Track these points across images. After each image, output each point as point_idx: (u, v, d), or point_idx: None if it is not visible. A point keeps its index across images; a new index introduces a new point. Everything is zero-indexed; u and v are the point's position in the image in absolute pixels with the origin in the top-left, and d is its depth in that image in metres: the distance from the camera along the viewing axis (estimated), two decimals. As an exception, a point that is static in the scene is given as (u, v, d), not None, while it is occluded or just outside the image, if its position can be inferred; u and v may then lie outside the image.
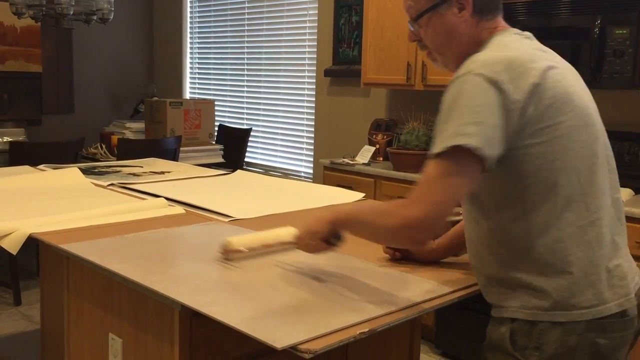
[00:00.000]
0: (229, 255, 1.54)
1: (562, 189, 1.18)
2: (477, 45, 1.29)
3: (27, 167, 2.80)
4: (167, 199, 2.17)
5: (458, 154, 1.11)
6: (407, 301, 1.30)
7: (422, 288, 1.39)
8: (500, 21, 1.34)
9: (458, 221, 1.60)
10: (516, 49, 1.22)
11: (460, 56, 1.29)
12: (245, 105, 5.17)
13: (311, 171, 4.57)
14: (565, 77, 1.22)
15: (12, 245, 1.69)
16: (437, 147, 1.13)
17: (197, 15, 5.59)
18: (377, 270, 1.52)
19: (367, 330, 1.15)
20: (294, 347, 1.07)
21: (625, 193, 2.65)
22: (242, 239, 1.57)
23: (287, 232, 1.59)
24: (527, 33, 1.32)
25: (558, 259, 1.18)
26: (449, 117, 1.14)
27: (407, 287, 1.40)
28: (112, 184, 2.47)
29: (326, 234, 1.35)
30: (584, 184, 1.19)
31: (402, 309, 1.26)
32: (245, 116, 5.17)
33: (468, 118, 1.11)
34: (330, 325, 1.15)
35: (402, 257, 1.58)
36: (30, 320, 3.35)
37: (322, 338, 1.10)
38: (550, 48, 1.40)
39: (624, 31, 2.58)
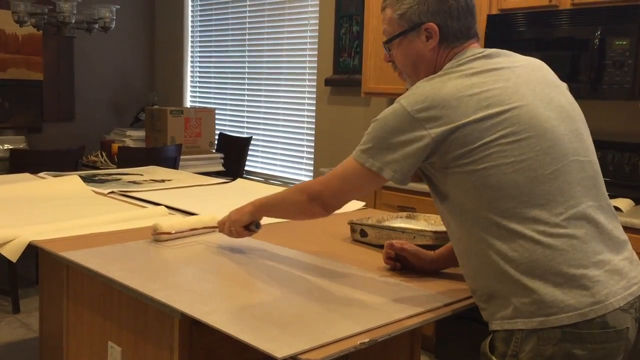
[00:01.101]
0: (158, 237, 1.74)
1: (502, 202, 1.20)
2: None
3: (27, 175, 2.80)
4: (167, 207, 2.17)
5: (366, 169, 1.30)
6: (407, 311, 1.30)
7: (423, 298, 1.38)
8: (466, 46, 1.36)
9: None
10: (447, 81, 1.26)
11: None
12: (245, 114, 5.18)
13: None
14: (505, 93, 1.24)
15: (12, 253, 1.68)
16: (355, 153, 1.33)
17: (199, 23, 5.61)
18: (378, 280, 1.51)
19: (367, 340, 1.15)
20: (294, 357, 1.06)
21: (625, 203, 2.65)
22: (171, 222, 1.78)
23: (211, 218, 1.84)
24: (488, 50, 1.34)
25: (514, 268, 1.19)
26: (372, 133, 1.31)
27: (407, 297, 1.40)
28: (112, 192, 2.47)
29: (246, 222, 1.61)
30: (531, 195, 1.20)
31: (403, 319, 1.26)
32: (245, 125, 5.18)
33: (382, 142, 1.28)
34: (331, 335, 1.15)
35: (402, 267, 1.58)
36: (28, 328, 3.34)
37: (323, 348, 1.10)
38: (550, 59, 1.41)
39: (624, 42, 2.59)
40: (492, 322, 1.26)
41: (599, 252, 1.22)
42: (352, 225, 1.87)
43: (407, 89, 1.33)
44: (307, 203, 1.40)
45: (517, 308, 1.20)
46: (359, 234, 1.84)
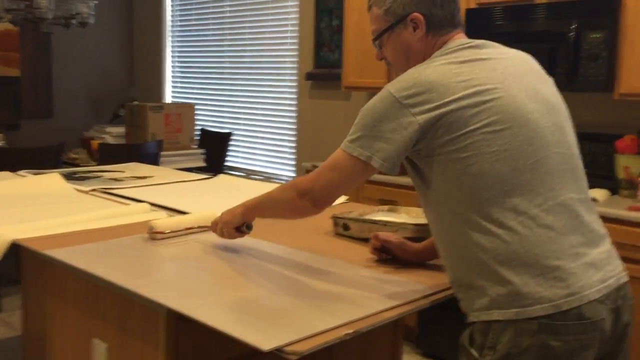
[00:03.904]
0: (153, 236, 1.75)
1: (484, 191, 1.22)
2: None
3: (6, 173, 2.77)
4: (150, 203, 2.17)
5: (354, 159, 1.29)
6: (389, 303, 1.32)
7: (406, 289, 1.41)
8: (453, 35, 1.39)
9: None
10: (435, 67, 1.29)
11: None
12: (226, 109, 5.17)
13: (293, 175, 4.58)
14: (491, 83, 1.26)
15: (-5, 252, 1.68)
16: (343, 144, 1.32)
17: (178, 18, 5.57)
18: (361, 273, 1.54)
19: (352, 331, 1.17)
20: (280, 349, 1.08)
21: (601, 194, 2.71)
22: (166, 222, 1.80)
23: (206, 217, 1.82)
24: (476, 41, 1.36)
25: (492, 258, 1.21)
26: (360, 122, 1.31)
27: (389, 289, 1.42)
28: (94, 189, 2.46)
29: (237, 224, 1.61)
30: (512, 185, 1.22)
31: (385, 310, 1.28)
32: (226, 120, 5.17)
33: (369, 130, 1.28)
34: (316, 326, 1.17)
35: (387, 258, 1.61)
36: (11, 327, 3.32)
37: (308, 340, 1.12)
38: (527, 52, 1.43)
39: (599, 35, 2.64)
40: (469, 313, 1.27)
41: (576, 244, 1.23)
42: (335, 219, 1.89)
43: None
44: (297, 200, 1.38)
45: (493, 299, 1.21)
46: (342, 227, 1.86)
